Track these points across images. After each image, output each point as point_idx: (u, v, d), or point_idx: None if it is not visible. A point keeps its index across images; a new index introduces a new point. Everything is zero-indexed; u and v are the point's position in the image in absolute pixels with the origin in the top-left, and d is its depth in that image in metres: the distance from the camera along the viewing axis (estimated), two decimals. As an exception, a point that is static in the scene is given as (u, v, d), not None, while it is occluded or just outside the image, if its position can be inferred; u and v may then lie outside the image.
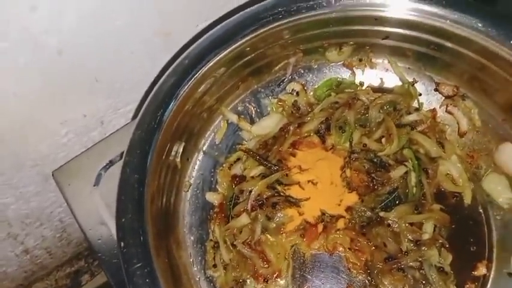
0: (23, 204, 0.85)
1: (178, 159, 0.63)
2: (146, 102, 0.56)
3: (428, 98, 0.69)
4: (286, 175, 0.65)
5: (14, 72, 0.62)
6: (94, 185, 0.68)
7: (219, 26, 0.62)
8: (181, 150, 0.63)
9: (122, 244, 0.48)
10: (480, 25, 0.56)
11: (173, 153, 0.61)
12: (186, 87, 0.58)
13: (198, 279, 0.61)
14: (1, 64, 0.59)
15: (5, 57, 0.59)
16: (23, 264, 0.98)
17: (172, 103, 0.56)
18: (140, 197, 0.51)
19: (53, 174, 0.71)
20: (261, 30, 0.62)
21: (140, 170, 0.52)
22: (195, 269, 0.61)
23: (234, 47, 0.61)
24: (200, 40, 0.61)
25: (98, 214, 0.65)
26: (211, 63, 0.60)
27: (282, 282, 0.61)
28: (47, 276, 1.07)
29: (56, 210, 0.92)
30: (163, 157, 0.58)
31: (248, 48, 0.63)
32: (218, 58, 0.60)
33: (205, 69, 0.60)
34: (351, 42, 0.68)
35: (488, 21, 0.56)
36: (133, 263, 0.47)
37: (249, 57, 0.65)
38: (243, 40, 0.61)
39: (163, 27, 0.74)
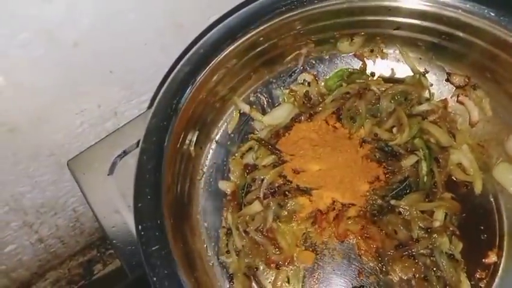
0: (38, 194, 0.87)
1: (192, 148, 0.64)
2: (162, 90, 0.57)
3: (439, 88, 0.69)
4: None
5: (31, 64, 0.63)
6: (108, 174, 0.70)
7: (232, 16, 0.63)
8: (195, 139, 0.64)
9: (140, 227, 0.49)
10: (492, 14, 0.56)
11: (187, 141, 0.62)
12: (201, 76, 0.59)
13: (211, 264, 0.62)
14: (18, 56, 0.61)
15: (21, 49, 0.60)
16: (37, 252, 1.01)
17: (187, 91, 0.57)
18: (157, 182, 0.52)
19: (68, 164, 0.72)
20: (274, 21, 0.63)
21: (156, 156, 0.54)
22: (209, 254, 0.63)
23: (247, 37, 0.62)
24: (214, 30, 0.62)
25: (113, 202, 0.67)
26: (225, 53, 0.61)
27: (293, 268, 0.62)
28: (60, 265, 1.10)
29: (70, 200, 0.94)
30: (178, 145, 0.60)
31: (261, 39, 0.64)
32: (232, 48, 0.61)
33: (219, 58, 0.61)
34: (362, 33, 0.69)
35: (500, 11, 0.56)
36: (150, 245, 0.48)
37: (262, 47, 0.66)
38: (257, 30, 0.62)
39: (175, 20, 0.75)
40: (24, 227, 0.91)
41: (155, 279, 0.46)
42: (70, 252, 1.09)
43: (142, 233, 0.49)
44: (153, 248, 0.48)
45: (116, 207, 0.67)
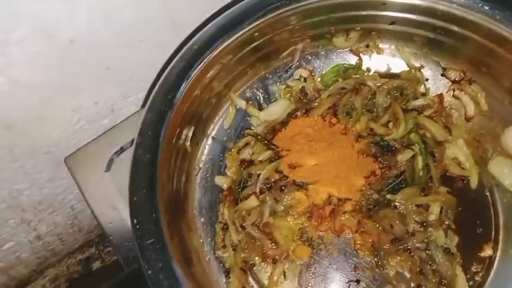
0: (36, 191, 0.87)
1: (188, 143, 0.64)
2: (157, 86, 0.57)
3: (435, 83, 0.69)
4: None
5: (27, 61, 0.63)
6: (106, 171, 0.70)
7: (227, 12, 0.63)
8: (190, 134, 0.64)
9: (135, 221, 0.49)
10: (487, 8, 0.56)
11: (183, 137, 0.63)
12: (196, 71, 0.59)
13: (208, 259, 0.62)
14: (14, 53, 0.61)
15: (17, 46, 0.60)
16: (36, 250, 1.01)
17: (182, 87, 0.57)
18: (152, 177, 0.52)
19: (65, 161, 0.72)
20: (269, 16, 0.63)
21: (152, 150, 0.54)
22: (205, 249, 0.63)
23: (242, 32, 0.62)
24: (209, 26, 0.62)
25: (110, 199, 0.67)
26: (220, 49, 0.61)
27: (290, 263, 0.62)
28: (59, 263, 1.10)
29: (67, 197, 0.94)
30: (174, 140, 0.60)
31: (256, 34, 0.64)
32: (227, 43, 0.61)
33: (214, 54, 0.61)
34: (358, 28, 0.69)
35: (495, 4, 0.56)
36: (145, 238, 0.48)
37: (257, 43, 0.66)
38: (251, 26, 0.62)
39: (171, 17, 0.75)
40: (23, 224, 0.91)
41: (150, 272, 0.46)
42: (69, 249, 1.09)
43: (137, 226, 0.49)
44: (148, 241, 0.48)
45: (114, 204, 0.67)
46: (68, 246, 1.08)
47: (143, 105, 0.85)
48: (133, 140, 0.71)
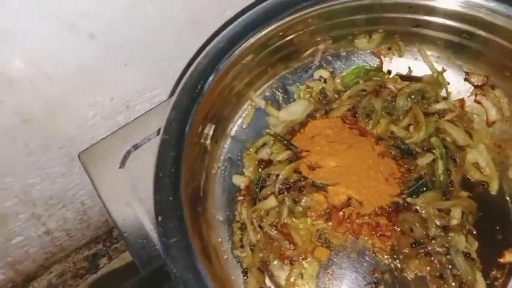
0: (48, 185, 0.86)
1: (208, 142, 0.63)
2: (183, 81, 0.57)
3: (457, 87, 0.69)
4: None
5: (49, 54, 0.63)
6: (120, 167, 0.69)
7: (251, 11, 0.63)
8: (211, 132, 0.63)
9: (159, 219, 0.49)
10: (516, 13, 0.56)
11: (204, 135, 0.62)
12: (220, 69, 0.59)
13: (225, 258, 0.62)
14: (38, 45, 0.60)
15: (39, 38, 0.60)
16: (44, 245, 1.00)
17: (207, 83, 0.57)
18: (177, 174, 0.52)
19: (79, 156, 0.72)
20: (293, 16, 0.62)
21: (177, 148, 0.53)
22: (223, 248, 0.62)
23: (266, 31, 0.62)
24: (233, 24, 0.62)
25: (124, 195, 0.67)
26: (244, 48, 0.61)
27: (308, 264, 0.62)
28: (65, 258, 1.09)
29: (78, 193, 0.94)
30: (196, 139, 0.59)
31: (280, 34, 0.64)
32: (250, 43, 0.61)
33: (237, 53, 0.60)
34: (380, 30, 0.69)
35: (524, 9, 0.56)
36: (170, 236, 0.48)
37: (279, 43, 0.66)
38: (275, 25, 0.62)
39: (192, 14, 0.74)
40: (32, 218, 0.91)
41: (175, 271, 0.46)
42: (76, 245, 1.09)
43: (162, 224, 0.48)
44: (173, 240, 0.47)
45: (128, 200, 0.67)
46: (75, 242, 1.08)
47: (170, 96, 0.83)
48: (147, 137, 0.71)
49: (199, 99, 0.56)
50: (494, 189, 0.63)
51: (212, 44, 0.60)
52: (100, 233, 1.11)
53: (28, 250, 0.98)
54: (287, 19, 0.63)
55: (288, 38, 0.66)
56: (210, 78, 0.57)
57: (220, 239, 0.63)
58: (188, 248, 0.47)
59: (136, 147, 0.71)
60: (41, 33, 0.59)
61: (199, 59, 0.58)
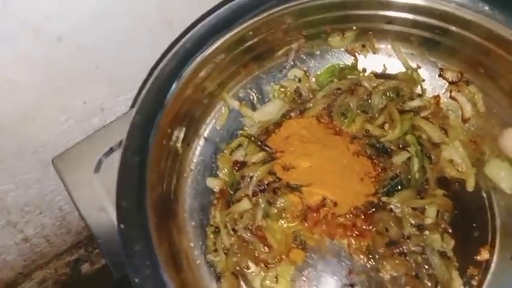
0: (22, 192, 0.84)
1: (179, 145, 0.62)
2: (148, 85, 0.55)
3: (432, 84, 0.68)
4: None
5: (14, 59, 0.61)
6: (94, 172, 0.68)
7: (220, 10, 0.61)
8: (182, 135, 0.62)
9: (122, 226, 0.47)
10: (486, 8, 0.55)
11: (174, 138, 0.61)
12: (188, 71, 0.57)
13: (198, 263, 0.61)
14: (2, 51, 0.58)
15: (6, 43, 0.58)
16: (22, 252, 0.98)
17: (173, 86, 0.55)
18: (141, 180, 0.50)
19: (52, 161, 0.70)
20: (263, 15, 0.61)
21: (141, 153, 0.52)
22: (196, 253, 0.61)
23: (235, 31, 0.61)
24: (201, 24, 0.61)
25: (98, 200, 0.65)
26: (213, 48, 0.59)
27: (283, 267, 0.61)
28: (46, 265, 1.07)
29: (55, 199, 0.92)
30: (164, 142, 0.58)
31: (250, 33, 0.62)
32: (220, 42, 0.60)
33: (206, 53, 0.59)
34: (354, 28, 0.68)
35: (495, 4, 0.55)
36: (132, 244, 0.46)
37: (251, 42, 0.64)
38: (245, 24, 0.61)
39: (164, 15, 0.73)
40: (8, 226, 0.89)
41: (137, 280, 0.44)
42: (57, 251, 1.07)
43: (124, 232, 0.47)
44: (135, 248, 0.46)
45: (102, 206, 0.65)
46: (56, 248, 1.06)
47: (132, 105, 0.83)
48: (122, 141, 0.70)
49: (166, 102, 0.55)
50: (470, 186, 0.63)
51: (179, 44, 0.58)
52: (81, 238, 1.09)
53: (5, 258, 0.96)
54: (258, 17, 0.61)
55: (260, 37, 0.65)
56: (177, 80, 0.56)
57: (192, 244, 0.62)
58: (152, 256, 0.46)
59: (111, 151, 0.69)
60: (4, 37, 0.57)
61: (165, 60, 0.57)
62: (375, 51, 0.70)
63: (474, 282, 0.58)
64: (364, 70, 0.71)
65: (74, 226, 1.04)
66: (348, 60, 0.72)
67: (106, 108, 0.82)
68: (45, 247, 1.02)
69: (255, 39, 0.64)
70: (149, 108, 0.54)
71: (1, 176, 0.78)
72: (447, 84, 0.67)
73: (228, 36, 0.60)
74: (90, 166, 0.67)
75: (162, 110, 0.54)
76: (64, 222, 1.00)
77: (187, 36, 0.59)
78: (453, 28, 0.60)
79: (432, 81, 0.68)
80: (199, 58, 0.59)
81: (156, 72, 0.56)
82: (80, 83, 0.73)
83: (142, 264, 0.45)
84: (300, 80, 0.71)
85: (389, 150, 0.65)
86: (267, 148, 0.66)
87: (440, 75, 0.67)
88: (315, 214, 0.62)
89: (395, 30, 0.66)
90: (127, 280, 0.49)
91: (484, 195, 0.62)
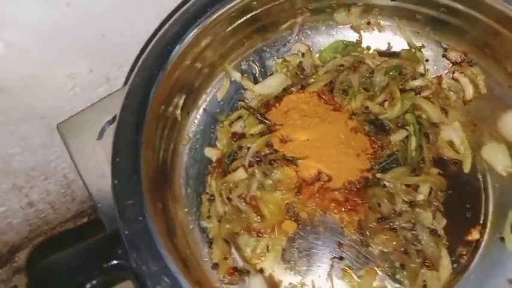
0: (28, 157, 0.86)
1: (178, 112, 0.63)
2: (149, 48, 0.56)
3: (435, 64, 0.67)
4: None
5: (23, 24, 0.62)
6: (98, 139, 0.69)
7: (226, -22, 0.61)
8: (181, 102, 0.63)
9: (115, 182, 0.49)
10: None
11: (173, 104, 0.62)
12: (190, 36, 0.58)
13: (191, 227, 0.62)
14: (10, 15, 0.59)
15: (13, 8, 0.59)
16: (28, 217, 1.01)
17: (174, 51, 0.56)
18: (137, 140, 0.51)
19: (57, 127, 0.72)
20: (269, -15, 0.61)
21: (138, 114, 0.53)
22: (190, 219, 0.62)
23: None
24: (206, -10, 0.61)
25: (100, 167, 0.67)
26: (216, 15, 0.60)
27: (274, 237, 0.61)
28: (51, 231, 1.10)
29: (60, 165, 0.94)
30: (163, 107, 0.59)
31: (255, 3, 0.62)
32: (224, 10, 0.60)
33: (209, 20, 0.59)
34: (360, 4, 0.67)
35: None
36: (124, 199, 0.47)
37: (255, 12, 0.64)
38: (250, -7, 0.61)
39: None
40: (14, 189, 0.91)
41: (126, 232, 0.46)
42: (61, 219, 1.09)
43: (118, 187, 0.48)
44: (127, 203, 0.47)
45: (103, 172, 0.66)
46: (60, 216, 1.08)
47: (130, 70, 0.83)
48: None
49: (166, 66, 0.55)
50: (467, 167, 0.62)
51: (182, 9, 0.58)
52: (86, 208, 1.12)
53: (11, 221, 0.99)
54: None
55: (265, 7, 0.65)
56: (178, 45, 0.56)
57: (186, 210, 0.63)
58: (143, 211, 0.47)
59: (114, 119, 0.71)
60: (14, 1, 0.58)
61: (167, 25, 0.57)
62: (380, 29, 0.70)
63: (462, 261, 0.58)
64: (368, 48, 0.71)
65: (78, 195, 1.06)
66: (353, 37, 0.71)
67: (112, 78, 0.83)
68: (49, 213, 1.05)
69: (259, 10, 0.64)
70: (150, 70, 0.55)
71: (8, 139, 0.80)
72: (450, 65, 0.66)
73: (232, 4, 0.60)
74: (94, 133, 0.69)
75: (162, 73, 0.55)
76: (69, 190, 1.02)
77: (191, 1, 0.59)
78: (459, 7, 0.59)
79: (435, 62, 0.68)
80: (202, 25, 0.59)
81: (158, 35, 0.57)
82: (87, 50, 0.74)
83: (132, 218, 0.47)
84: (303, 55, 0.71)
85: (387, 128, 0.65)
86: (266, 121, 0.66)
87: (444, 55, 0.67)
88: (309, 187, 0.63)
89: (401, 7, 0.65)
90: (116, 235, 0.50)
91: (480, 177, 0.62)
